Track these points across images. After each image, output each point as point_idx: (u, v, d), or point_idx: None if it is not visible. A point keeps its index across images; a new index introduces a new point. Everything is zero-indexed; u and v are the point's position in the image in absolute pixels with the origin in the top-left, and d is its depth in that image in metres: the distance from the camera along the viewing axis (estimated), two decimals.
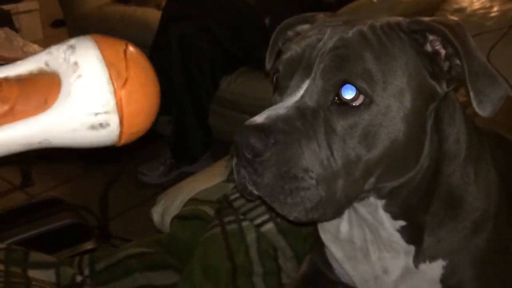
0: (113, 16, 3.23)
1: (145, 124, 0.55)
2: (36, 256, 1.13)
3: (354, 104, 0.72)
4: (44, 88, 0.49)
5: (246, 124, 0.72)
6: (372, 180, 0.76)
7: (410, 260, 0.86)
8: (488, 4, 2.00)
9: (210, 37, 2.45)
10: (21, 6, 4.67)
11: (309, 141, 0.72)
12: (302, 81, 0.76)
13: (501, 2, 1.99)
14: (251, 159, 0.71)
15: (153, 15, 3.01)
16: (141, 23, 3.06)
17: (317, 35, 0.78)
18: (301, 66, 0.77)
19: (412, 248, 0.85)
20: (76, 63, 0.50)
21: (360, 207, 0.85)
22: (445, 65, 0.76)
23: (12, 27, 3.45)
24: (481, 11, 1.98)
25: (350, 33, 0.76)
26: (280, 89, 0.80)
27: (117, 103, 0.50)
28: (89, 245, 1.67)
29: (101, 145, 0.54)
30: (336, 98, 0.73)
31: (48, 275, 1.08)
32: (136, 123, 0.54)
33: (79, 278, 1.10)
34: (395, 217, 0.83)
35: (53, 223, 1.74)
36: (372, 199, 0.82)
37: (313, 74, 0.75)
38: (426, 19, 0.77)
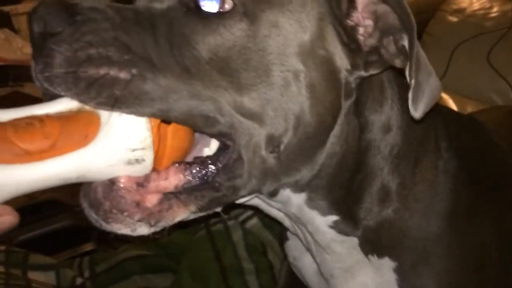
0: None
1: (181, 158, 0.59)
2: (36, 258, 1.12)
3: (218, 10, 0.57)
4: (84, 125, 0.51)
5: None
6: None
7: (359, 250, 0.76)
8: (487, 5, 2.00)
9: None
10: (20, 8, 4.65)
11: (139, 29, 0.55)
12: None
13: (500, 3, 1.99)
14: (41, 45, 0.51)
15: None
16: None
17: None
18: None
19: (354, 240, 0.75)
20: None
21: (280, 205, 0.73)
22: (368, 42, 0.65)
23: (12, 28, 3.44)
24: (481, 11, 1.98)
25: None
26: None
27: (153, 140, 0.53)
28: (89, 247, 1.67)
29: None
30: (193, 4, 0.58)
31: (48, 277, 1.08)
32: (176, 157, 0.58)
33: (79, 280, 1.10)
34: (324, 212, 0.72)
35: (53, 224, 1.74)
36: (288, 192, 0.69)
37: None
38: None
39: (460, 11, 2.03)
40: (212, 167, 0.60)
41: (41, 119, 0.49)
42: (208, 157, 0.61)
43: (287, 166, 0.64)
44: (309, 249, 0.83)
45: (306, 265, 0.90)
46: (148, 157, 0.53)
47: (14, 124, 0.48)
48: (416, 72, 0.60)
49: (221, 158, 0.60)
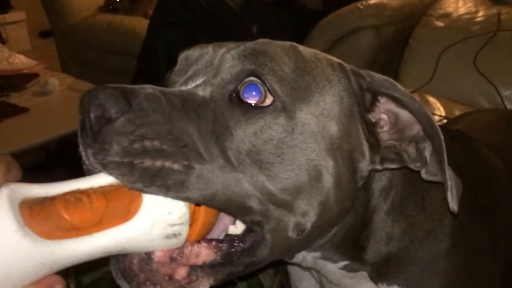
0: (100, 26, 3.21)
1: (208, 232, 0.61)
2: None
3: (258, 105, 0.59)
4: (127, 201, 0.52)
5: (104, 85, 0.55)
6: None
7: (368, 280, 0.79)
8: (473, 9, 2.02)
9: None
10: (8, 17, 4.65)
11: (188, 120, 0.57)
12: (198, 77, 0.63)
13: (486, 7, 2.00)
14: (98, 129, 0.52)
15: (140, 24, 3.00)
16: (129, 32, 3.05)
17: (227, 45, 0.67)
18: (202, 63, 0.66)
19: (363, 273, 0.78)
20: None
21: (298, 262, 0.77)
22: (386, 140, 0.67)
23: None
24: (467, 16, 2.00)
25: (275, 41, 0.65)
26: (169, 86, 0.67)
27: (190, 216, 0.55)
28: None
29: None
30: (236, 95, 0.60)
31: None
32: (205, 231, 0.59)
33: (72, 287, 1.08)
34: (335, 261, 0.76)
35: None
36: (303, 253, 0.73)
37: (215, 66, 0.63)
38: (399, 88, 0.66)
39: (446, 15, 2.04)
40: (239, 246, 0.62)
41: (88, 194, 0.51)
42: (236, 236, 0.62)
43: (307, 243, 0.68)
44: (320, 283, 0.87)
45: (306, 285, 0.93)
46: (184, 231, 0.55)
47: (64, 199, 0.50)
48: (449, 178, 0.63)
49: (247, 239, 0.62)
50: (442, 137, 0.63)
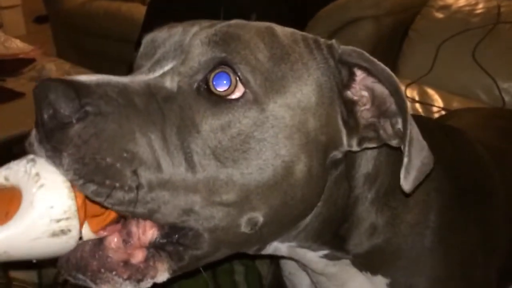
0: (97, 12, 3.18)
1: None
2: None
3: (228, 97, 0.55)
4: (5, 202, 0.50)
5: (59, 78, 0.51)
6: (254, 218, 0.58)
7: (352, 266, 0.77)
8: (473, 1, 2.01)
9: None
10: (3, 2, 4.60)
11: (149, 126, 0.53)
12: (167, 62, 0.59)
13: None
14: (50, 129, 0.50)
15: (138, 10, 2.97)
16: (126, 18, 3.03)
17: (200, 24, 0.62)
18: (171, 45, 0.61)
19: (346, 261, 0.76)
20: (37, 174, 0.50)
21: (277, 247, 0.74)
22: (363, 118, 0.64)
23: None
24: (467, 8, 1.99)
25: (251, 24, 0.61)
26: (135, 70, 0.62)
27: (78, 209, 0.51)
28: None
29: (60, 253, 0.54)
30: (205, 86, 0.56)
31: (29, 275, 1.06)
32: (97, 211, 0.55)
33: (62, 278, 1.08)
34: (314, 249, 0.73)
35: None
36: (275, 244, 0.70)
37: (184, 50, 0.59)
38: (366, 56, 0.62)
39: (446, 7, 2.04)
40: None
41: None
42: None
43: (267, 236, 0.63)
44: (305, 270, 0.85)
45: (301, 279, 0.92)
46: (74, 226, 0.51)
47: None
48: (409, 151, 0.60)
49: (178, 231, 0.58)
50: (408, 107, 0.60)
